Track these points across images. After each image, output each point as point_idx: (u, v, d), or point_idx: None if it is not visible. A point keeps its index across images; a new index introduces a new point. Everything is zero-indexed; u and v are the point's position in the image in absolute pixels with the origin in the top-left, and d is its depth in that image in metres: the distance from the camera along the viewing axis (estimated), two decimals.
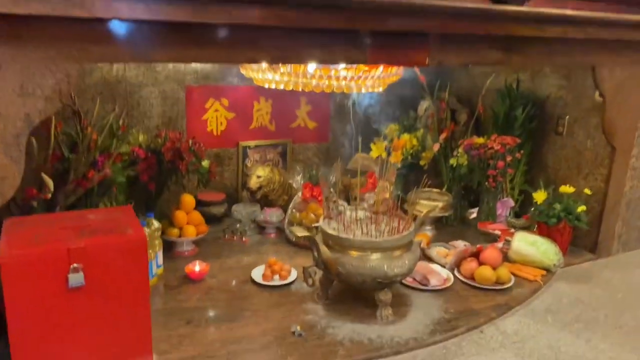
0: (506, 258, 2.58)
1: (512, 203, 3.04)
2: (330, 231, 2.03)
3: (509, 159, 2.85)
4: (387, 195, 2.21)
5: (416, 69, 2.94)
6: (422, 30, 1.76)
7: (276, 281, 2.30)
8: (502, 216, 3.05)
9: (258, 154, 3.14)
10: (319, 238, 2.10)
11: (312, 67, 2.14)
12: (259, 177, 2.84)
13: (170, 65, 2.80)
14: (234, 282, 2.32)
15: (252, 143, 3.10)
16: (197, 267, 2.34)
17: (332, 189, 2.22)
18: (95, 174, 2.03)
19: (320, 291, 2.17)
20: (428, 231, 2.96)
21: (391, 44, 1.76)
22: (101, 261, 1.58)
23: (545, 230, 2.67)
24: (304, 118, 3.25)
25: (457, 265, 2.46)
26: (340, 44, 1.69)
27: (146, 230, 2.21)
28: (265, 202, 2.99)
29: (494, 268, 2.36)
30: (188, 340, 1.88)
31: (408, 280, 2.34)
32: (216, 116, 2.99)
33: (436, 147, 3.01)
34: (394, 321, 2.05)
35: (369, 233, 2.03)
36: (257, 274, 2.34)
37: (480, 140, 2.90)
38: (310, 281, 2.05)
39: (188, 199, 2.58)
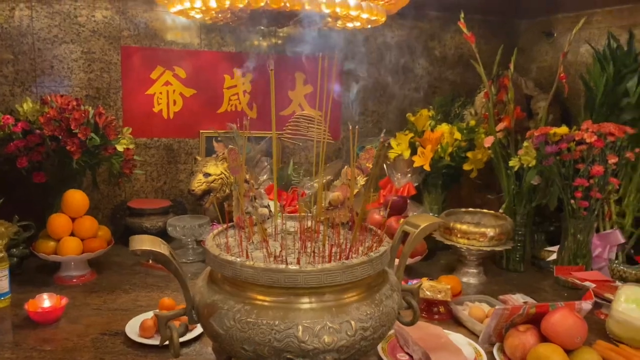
0: (601, 331, 1.40)
1: (620, 239, 1.82)
2: (212, 249, 1.03)
3: (612, 160, 1.66)
4: (350, 196, 1.17)
5: (461, 23, 1.87)
6: None
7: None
8: (603, 259, 1.83)
9: None
10: (212, 267, 1.09)
11: None
12: (206, 175, 1.91)
13: (99, 16, 2.00)
14: (95, 335, 1.37)
15: (220, 133, 2.19)
16: (45, 302, 1.43)
17: (255, 180, 1.22)
18: None
19: None
20: (471, 276, 1.82)
21: None
22: None
23: None
24: (300, 103, 2.28)
25: (497, 336, 1.32)
26: None
27: None
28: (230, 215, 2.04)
29: (569, 349, 1.20)
30: None
31: (397, 357, 1.25)
32: (167, 91, 2.12)
33: (489, 141, 1.89)
34: None
35: (285, 255, 0.99)
36: (136, 324, 1.37)
37: (562, 129, 1.75)
38: (172, 349, 1.03)
39: (76, 198, 1.69)
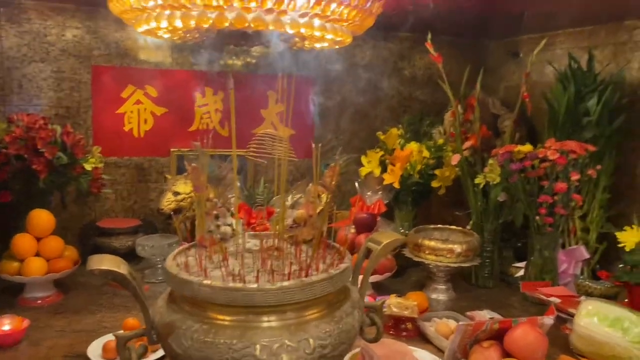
0: (565, 346, 1.42)
1: (585, 254, 1.86)
2: (170, 269, 1.02)
3: (574, 177, 1.70)
4: (314, 213, 1.18)
5: (428, 44, 1.92)
6: None
7: None
8: (569, 275, 1.86)
9: None
10: (172, 284, 1.09)
11: None
12: (176, 194, 1.90)
13: (69, 35, 2.01)
14: (58, 357, 1.35)
15: (186, 152, 2.18)
16: (6, 325, 1.40)
17: (224, 198, 1.23)
18: None
19: None
20: (440, 292, 1.84)
21: None
22: None
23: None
24: (273, 121, 2.31)
25: (462, 352, 1.33)
26: None
27: None
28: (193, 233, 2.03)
29: None
30: None
31: None
32: (138, 110, 2.12)
33: (455, 159, 1.92)
34: None
35: (243, 274, 1.00)
36: (99, 346, 1.36)
37: (526, 147, 1.79)
38: None
39: (42, 217, 1.67)
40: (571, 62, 1.86)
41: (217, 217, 1.20)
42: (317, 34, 1.35)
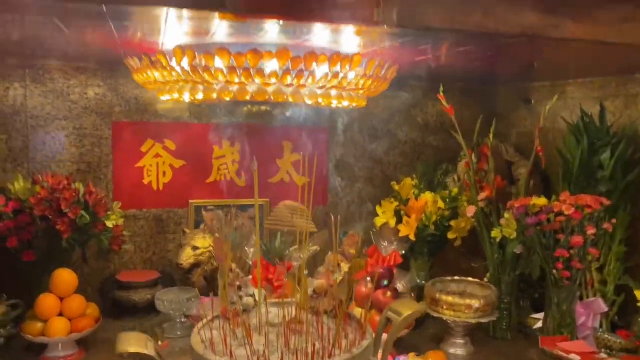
0: None
1: (603, 307, 1.85)
2: (196, 346, 1.05)
3: (590, 231, 1.71)
4: (334, 282, 1.20)
5: (440, 96, 1.95)
6: None
7: None
8: (588, 327, 1.85)
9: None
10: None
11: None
12: (195, 248, 1.93)
13: (91, 93, 2.07)
14: None
15: (209, 202, 2.23)
16: None
17: (236, 268, 1.26)
18: None
19: None
20: (458, 347, 1.83)
21: None
22: None
23: None
24: (288, 170, 2.34)
25: None
26: None
27: None
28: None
29: None
30: None
31: None
32: (157, 163, 2.17)
33: (471, 210, 1.94)
34: None
35: (267, 354, 1.01)
36: None
37: (541, 200, 1.80)
38: None
39: (64, 277, 1.71)
40: (583, 115, 1.88)
41: (239, 287, 1.23)
42: (334, 102, 1.39)
